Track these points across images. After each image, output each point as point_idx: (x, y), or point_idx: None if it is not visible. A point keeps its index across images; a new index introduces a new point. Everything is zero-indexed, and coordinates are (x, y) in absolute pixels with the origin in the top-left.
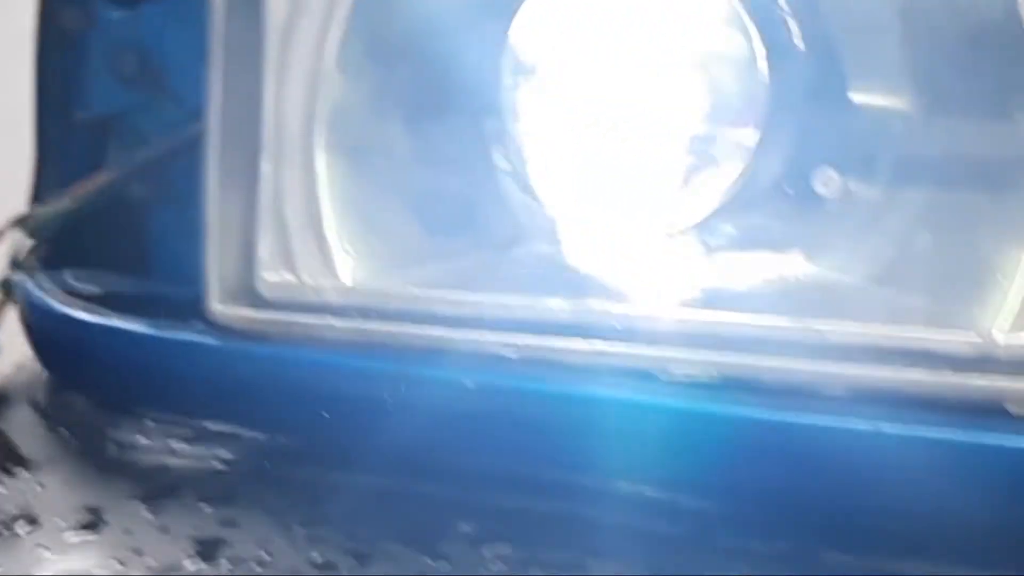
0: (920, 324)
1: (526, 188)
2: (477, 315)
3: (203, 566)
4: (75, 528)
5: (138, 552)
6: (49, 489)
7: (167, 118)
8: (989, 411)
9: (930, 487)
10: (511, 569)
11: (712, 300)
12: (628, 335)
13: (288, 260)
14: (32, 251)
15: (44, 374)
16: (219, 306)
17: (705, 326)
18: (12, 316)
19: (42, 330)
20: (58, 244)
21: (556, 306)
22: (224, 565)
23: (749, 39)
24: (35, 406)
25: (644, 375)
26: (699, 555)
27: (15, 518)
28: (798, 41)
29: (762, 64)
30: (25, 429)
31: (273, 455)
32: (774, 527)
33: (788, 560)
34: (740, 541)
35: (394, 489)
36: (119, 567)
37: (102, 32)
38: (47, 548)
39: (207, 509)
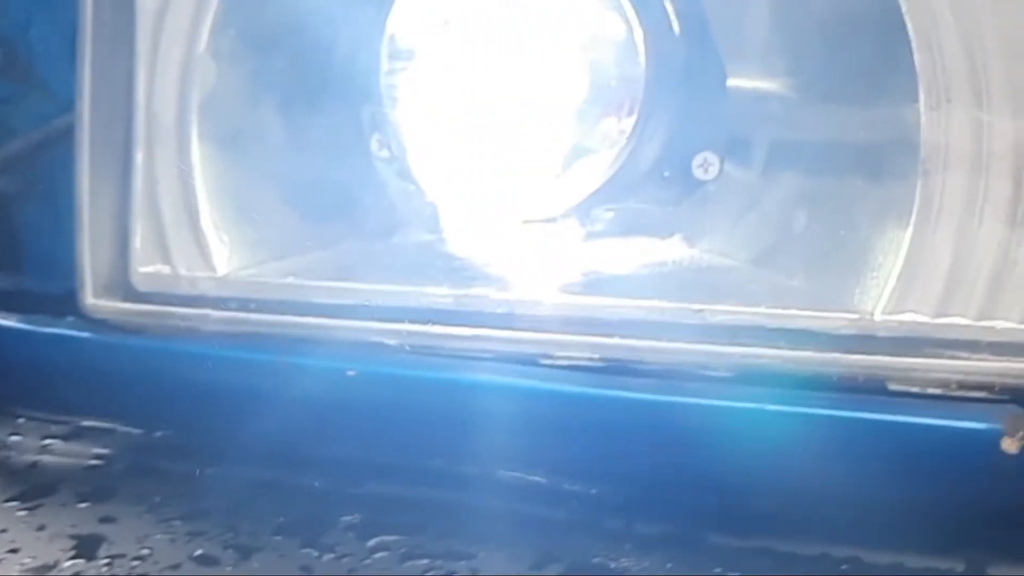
0: (801, 305)
1: (405, 175)
2: (357, 303)
3: (82, 564)
4: None
5: (15, 552)
6: None
7: (36, 110)
8: (871, 388)
9: (815, 465)
10: (397, 559)
11: (593, 285)
12: (509, 321)
13: (163, 251)
14: None
15: None
16: (93, 300)
17: (586, 310)
18: None
19: None
20: None
21: (437, 293)
22: (103, 563)
23: (627, 23)
24: None
25: (527, 361)
26: (585, 539)
27: None
28: (675, 25)
29: (639, 48)
30: None
31: (151, 449)
32: (660, 510)
33: (674, 542)
34: (626, 524)
35: (276, 481)
36: None
37: None
38: None
39: (85, 506)
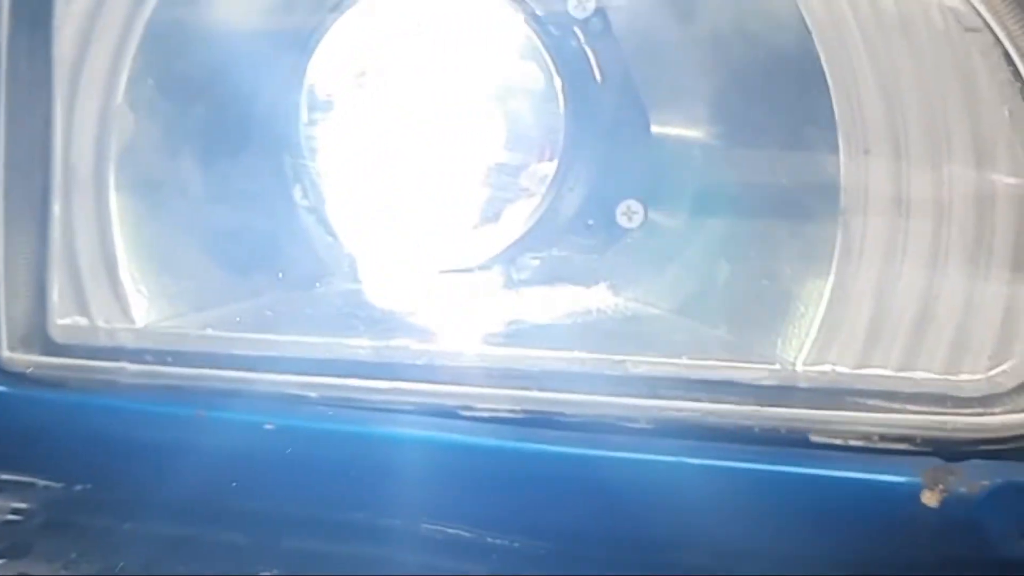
0: (724, 355)
1: (326, 225)
2: (276, 356)
3: None
4: None
5: None
6: None
7: None
8: (792, 440)
9: (736, 518)
10: None
11: (516, 335)
12: (430, 373)
13: (81, 303)
14: None
15: None
16: (10, 353)
17: (508, 362)
18: None
19: None
20: None
21: (357, 345)
22: None
23: (547, 71)
24: None
25: (447, 413)
26: None
27: None
28: (596, 73)
29: (560, 96)
30: None
31: (70, 504)
32: (581, 563)
33: None
34: None
35: (194, 536)
36: None
37: None
38: None
39: (0, 563)
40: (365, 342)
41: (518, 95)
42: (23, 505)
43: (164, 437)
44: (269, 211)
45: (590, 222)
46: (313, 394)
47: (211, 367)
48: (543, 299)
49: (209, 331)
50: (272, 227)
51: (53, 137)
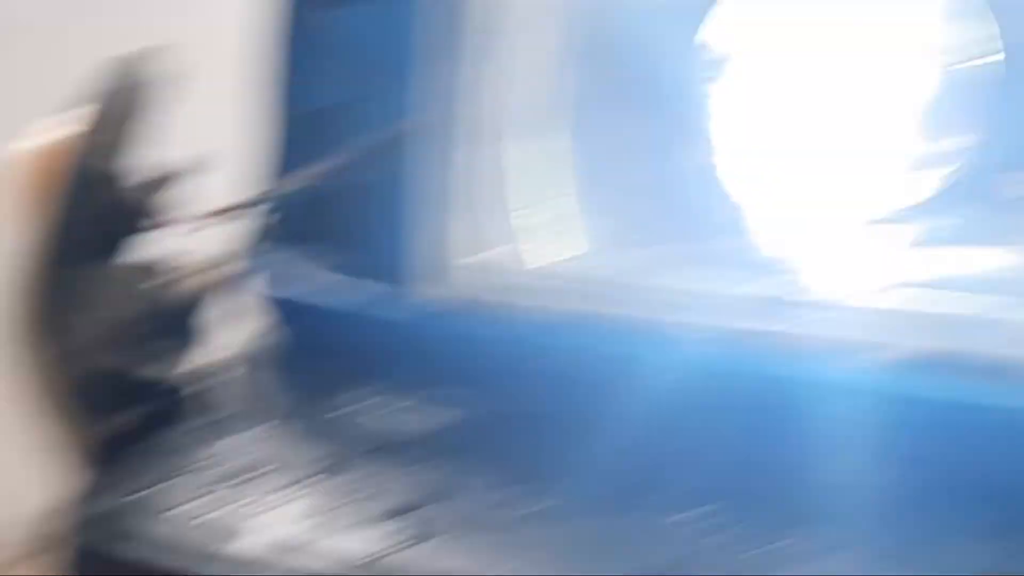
0: None
1: (723, 181)
2: (671, 300)
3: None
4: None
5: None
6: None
7: (388, 111)
8: None
9: None
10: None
11: (925, 285)
12: (838, 316)
13: (479, 244)
14: (268, 228)
15: (281, 344)
16: (416, 287)
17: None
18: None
19: (282, 304)
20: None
21: (756, 290)
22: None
23: (985, 30)
24: (270, 374)
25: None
26: None
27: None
28: None
29: (995, 60)
30: (259, 393)
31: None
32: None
33: None
34: None
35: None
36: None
37: (331, 29)
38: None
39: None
40: (766, 286)
41: (944, 54)
42: (454, 419)
43: (553, 370)
44: (664, 164)
45: (1004, 185)
46: (710, 335)
47: (603, 307)
48: (954, 256)
49: (602, 273)
50: (667, 179)
51: (469, 89)
